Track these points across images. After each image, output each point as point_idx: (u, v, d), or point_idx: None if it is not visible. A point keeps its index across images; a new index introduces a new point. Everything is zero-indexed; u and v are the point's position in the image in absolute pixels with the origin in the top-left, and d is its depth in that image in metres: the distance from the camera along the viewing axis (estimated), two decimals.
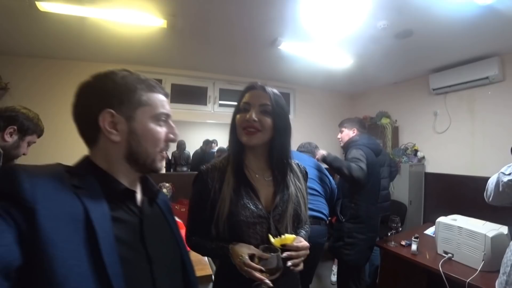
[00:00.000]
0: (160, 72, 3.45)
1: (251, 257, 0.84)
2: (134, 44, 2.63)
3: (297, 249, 0.88)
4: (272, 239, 0.87)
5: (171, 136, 0.69)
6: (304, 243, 0.91)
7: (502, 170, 1.30)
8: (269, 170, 1.01)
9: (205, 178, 0.97)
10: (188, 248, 1.89)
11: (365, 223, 2.07)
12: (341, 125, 2.44)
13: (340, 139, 2.41)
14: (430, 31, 2.32)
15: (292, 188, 0.99)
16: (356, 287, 2.12)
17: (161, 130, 0.66)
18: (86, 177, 0.57)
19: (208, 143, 3.86)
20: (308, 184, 1.19)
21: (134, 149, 0.63)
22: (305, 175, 1.11)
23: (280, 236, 0.89)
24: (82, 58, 3.02)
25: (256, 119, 0.91)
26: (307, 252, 0.91)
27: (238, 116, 0.96)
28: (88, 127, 0.62)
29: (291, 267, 0.86)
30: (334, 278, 2.94)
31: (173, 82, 3.56)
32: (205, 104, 3.77)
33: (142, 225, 0.63)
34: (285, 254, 0.85)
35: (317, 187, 2.10)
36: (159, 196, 0.75)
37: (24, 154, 1.43)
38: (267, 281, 0.81)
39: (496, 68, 2.80)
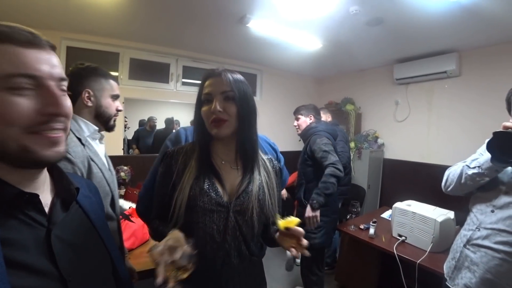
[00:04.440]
0: (117, 45, 3.12)
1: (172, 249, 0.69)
2: (86, 10, 2.29)
3: (299, 234, 0.83)
4: (279, 221, 0.84)
5: (52, 109, 0.46)
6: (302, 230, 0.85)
7: (467, 162, 1.28)
8: (238, 159, 0.95)
9: (169, 160, 0.93)
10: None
11: (329, 205, 2.10)
12: (297, 112, 2.40)
13: (297, 127, 2.39)
14: (400, 21, 2.34)
15: (258, 181, 0.93)
16: (319, 269, 2.19)
17: (23, 102, 0.43)
18: None
19: (171, 123, 3.65)
20: None
21: None
22: (279, 172, 1.05)
23: (283, 218, 0.84)
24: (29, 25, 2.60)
25: (221, 109, 0.84)
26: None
27: (203, 109, 0.89)
28: None
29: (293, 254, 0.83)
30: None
31: (132, 57, 3.25)
32: (167, 82, 3.51)
33: (50, 238, 0.48)
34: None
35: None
36: (81, 192, 0.60)
37: None
38: (159, 273, 0.64)
39: (454, 63, 2.97)
